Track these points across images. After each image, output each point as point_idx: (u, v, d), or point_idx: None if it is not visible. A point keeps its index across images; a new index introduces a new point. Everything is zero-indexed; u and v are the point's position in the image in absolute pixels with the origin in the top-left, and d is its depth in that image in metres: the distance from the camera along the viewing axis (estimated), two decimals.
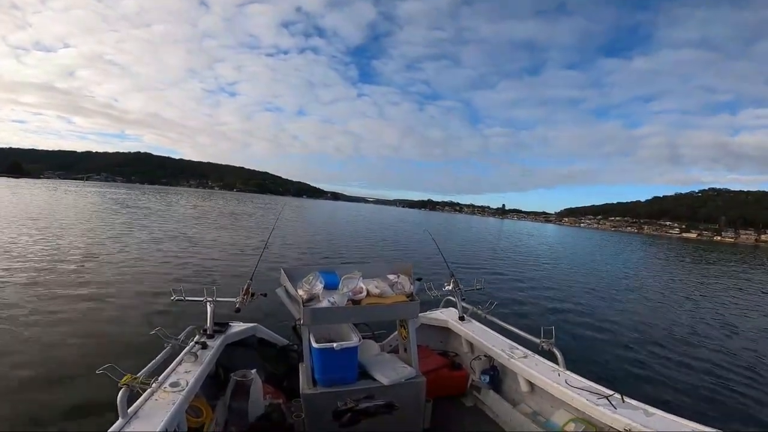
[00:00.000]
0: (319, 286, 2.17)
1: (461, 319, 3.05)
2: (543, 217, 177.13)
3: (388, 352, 2.78)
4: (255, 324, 2.93)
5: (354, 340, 2.11)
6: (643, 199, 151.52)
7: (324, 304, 2.06)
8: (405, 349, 2.41)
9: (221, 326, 2.60)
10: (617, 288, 12.72)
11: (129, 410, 1.51)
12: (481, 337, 2.77)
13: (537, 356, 2.38)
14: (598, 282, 13.61)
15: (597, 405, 1.83)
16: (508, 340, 2.64)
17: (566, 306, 9.30)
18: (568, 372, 2.16)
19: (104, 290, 6.85)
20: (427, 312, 3.25)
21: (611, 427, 1.78)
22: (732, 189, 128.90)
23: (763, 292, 14.79)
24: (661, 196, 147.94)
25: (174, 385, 1.77)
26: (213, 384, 2.44)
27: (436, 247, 3.98)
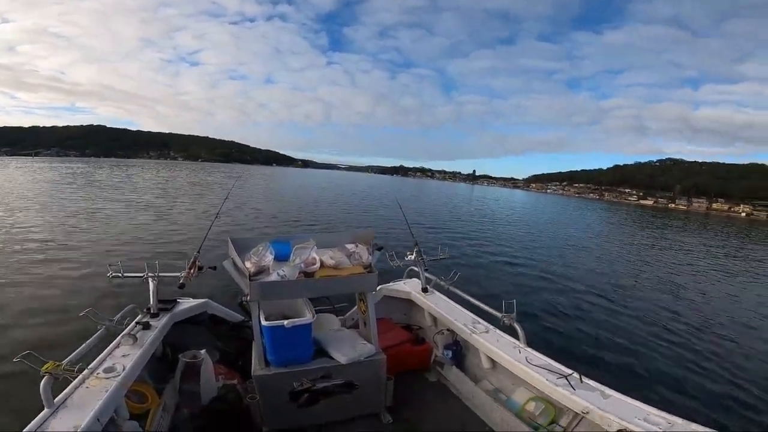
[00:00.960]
0: (268, 258, 2.02)
1: (424, 290, 2.98)
2: (512, 183, 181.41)
3: (350, 327, 2.68)
4: (206, 300, 2.75)
5: (307, 316, 2.00)
6: (605, 167, 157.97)
7: (273, 277, 1.90)
8: (365, 324, 2.30)
9: (168, 303, 2.45)
10: (576, 254, 13.42)
11: (56, 400, 1.40)
12: (444, 310, 2.72)
13: (498, 331, 2.35)
14: (559, 249, 14.25)
15: (556, 385, 1.83)
16: (471, 314, 2.60)
17: (526, 272, 9.70)
18: (528, 349, 2.14)
19: (37, 269, 6.22)
20: (390, 283, 3.16)
21: (569, 408, 1.79)
22: (688, 159, 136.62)
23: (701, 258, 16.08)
24: (622, 164, 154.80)
25: (109, 370, 1.64)
26: (161, 366, 2.30)
27: (402, 215, 3.83)
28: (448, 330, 2.72)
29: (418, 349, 2.77)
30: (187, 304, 2.58)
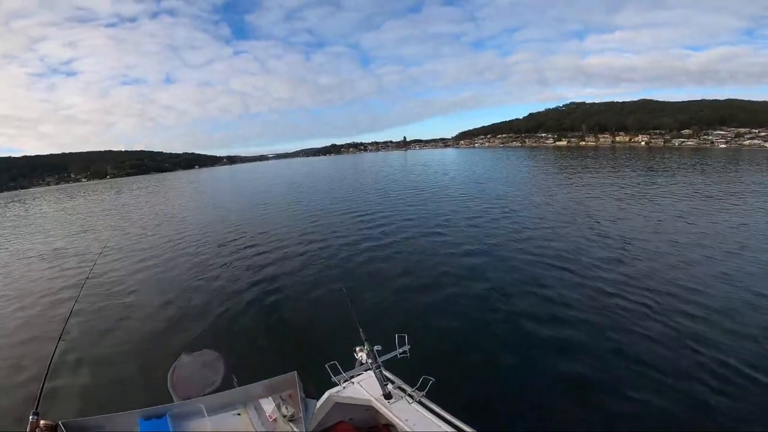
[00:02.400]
0: None
1: (387, 397, 2.31)
2: (442, 142, 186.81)
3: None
4: None
5: None
6: (521, 116, 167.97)
7: None
8: None
9: None
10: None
11: None
12: (419, 428, 2.07)
13: None
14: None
15: None
16: None
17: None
18: None
19: None
20: (341, 386, 2.43)
21: None
22: (588, 101, 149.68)
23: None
24: (535, 112, 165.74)
25: None
26: None
27: (347, 302, 3.08)
28: None
29: None
30: None
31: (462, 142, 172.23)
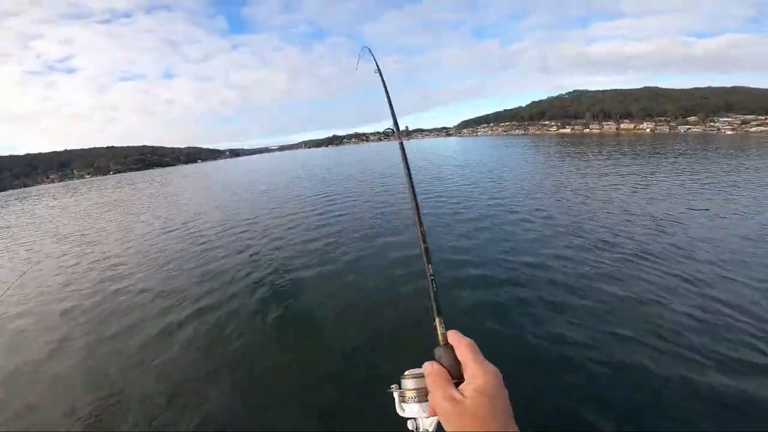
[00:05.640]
0: None
1: None
2: (444, 132, 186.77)
3: None
4: None
5: None
6: (524, 105, 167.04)
7: None
8: None
9: None
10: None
11: None
12: None
13: None
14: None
15: None
16: None
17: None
18: None
19: None
20: None
21: None
22: (591, 89, 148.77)
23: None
24: (538, 100, 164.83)
25: None
26: None
27: None
28: None
29: None
30: None
31: (464, 131, 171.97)
